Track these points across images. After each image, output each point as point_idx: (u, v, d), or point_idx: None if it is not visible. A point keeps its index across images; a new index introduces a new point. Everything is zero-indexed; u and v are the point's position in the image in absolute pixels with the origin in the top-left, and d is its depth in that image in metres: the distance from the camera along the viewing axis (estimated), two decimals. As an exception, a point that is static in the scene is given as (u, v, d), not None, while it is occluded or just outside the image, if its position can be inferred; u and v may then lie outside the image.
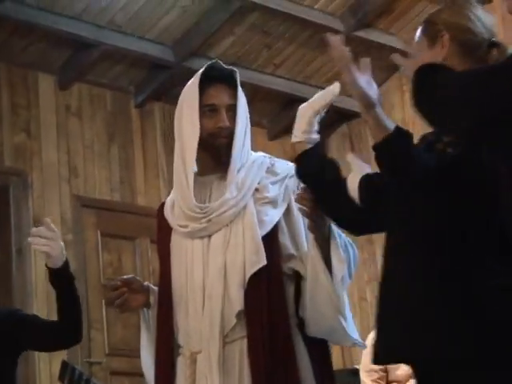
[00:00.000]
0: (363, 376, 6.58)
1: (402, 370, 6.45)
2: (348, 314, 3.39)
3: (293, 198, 3.48)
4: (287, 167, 3.60)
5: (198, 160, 3.41)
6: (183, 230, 3.47)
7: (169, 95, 8.76)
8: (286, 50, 8.81)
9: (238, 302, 3.29)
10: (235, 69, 3.55)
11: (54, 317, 7.13)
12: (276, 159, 3.67)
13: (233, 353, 3.32)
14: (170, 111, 8.41)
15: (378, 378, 6.45)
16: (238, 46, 8.48)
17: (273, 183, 3.51)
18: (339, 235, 3.34)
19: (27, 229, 7.20)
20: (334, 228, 3.30)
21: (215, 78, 3.47)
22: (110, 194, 8.37)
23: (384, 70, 9.03)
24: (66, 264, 4.11)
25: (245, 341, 3.31)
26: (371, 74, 2.77)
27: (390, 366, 6.42)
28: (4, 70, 8.04)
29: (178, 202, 3.50)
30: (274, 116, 9.51)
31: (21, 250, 7.68)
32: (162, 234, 3.63)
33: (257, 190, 3.48)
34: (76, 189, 8.05)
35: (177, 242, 3.50)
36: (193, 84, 3.50)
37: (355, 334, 3.43)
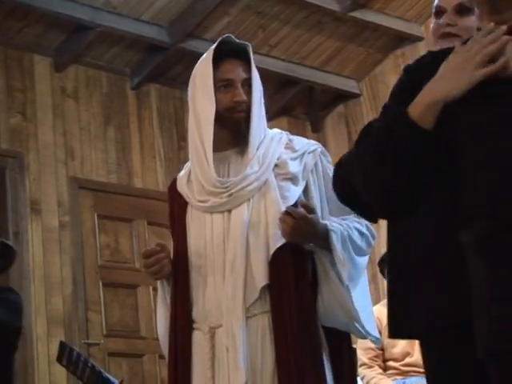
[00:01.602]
0: (360, 354, 6.49)
1: (399, 347, 6.52)
2: (364, 309, 3.44)
3: (311, 176, 3.56)
4: (305, 143, 3.68)
5: (214, 135, 3.43)
6: (203, 204, 3.48)
7: (165, 77, 8.96)
8: (281, 31, 8.81)
9: (262, 276, 3.32)
10: (248, 43, 3.56)
11: (52, 300, 7.62)
12: (293, 136, 3.72)
13: (254, 328, 3.35)
14: (166, 93, 8.88)
15: (375, 356, 6.43)
16: (232, 27, 8.36)
17: (292, 159, 3.56)
18: (336, 232, 3.38)
19: (24, 211, 7.72)
20: (330, 228, 3.34)
21: (228, 53, 3.47)
22: (106, 176, 8.33)
23: (380, 51, 9.37)
24: None
25: (266, 316, 3.33)
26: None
27: (387, 344, 6.44)
28: (-1, 52, 8.02)
29: (197, 177, 3.49)
30: (270, 96, 9.22)
31: (18, 233, 7.69)
32: (176, 208, 3.63)
33: (276, 165, 3.52)
34: (73, 171, 8.04)
35: (195, 217, 3.50)
36: (206, 59, 3.49)
37: (372, 331, 3.48)
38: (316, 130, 9.79)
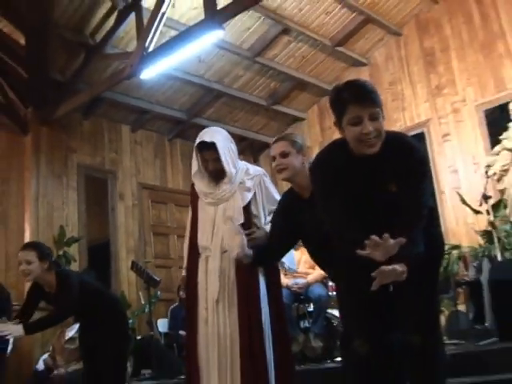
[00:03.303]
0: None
1: (302, 268, 7.40)
2: (288, 255, 4.12)
3: (257, 188, 4.27)
4: (256, 169, 4.36)
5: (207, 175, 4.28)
6: (204, 200, 4.30)
7: (184, 136, 10.78)
8: (241, 114, 10.94)
9: (231, 234, 3.82)
10: (214, 141, 4.15)
11: (128, 240, 9.57)
12: (249, 165, 4.38)
13: (226, 258, 4.07)
14: (189, 146, 9.77)
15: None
16: (216, 112, 10.61)
17: (248, 179, 4.23)
18: None
19: (116, 198, 9.75)
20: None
21: (203, 147, 4.17)
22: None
23: (287, 124, 11.49)
24: (26, 329, 4.54)
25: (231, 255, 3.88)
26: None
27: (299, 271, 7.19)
28: None
29: (200, 188, 4.32)
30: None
31: (113, 209, 9.71)
32: (195, 198, 4.38)
33: (240, 183, 4.21)
34: (142, 179, 10.06)
35: (202, 205, 4.30)
36: (194, 150, 4.25)
37: (292, 266, 4.56)
38: (255, 161, 11.40)
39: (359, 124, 2.78)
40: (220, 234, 4.12)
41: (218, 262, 4.09)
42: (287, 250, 3.78)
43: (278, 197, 4.18)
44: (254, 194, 4.22)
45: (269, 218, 4.15)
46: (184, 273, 4.36)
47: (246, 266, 3.85)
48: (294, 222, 3.52)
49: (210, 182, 4.25)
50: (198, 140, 4.16)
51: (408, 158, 2.84)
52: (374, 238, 2.56)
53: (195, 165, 4.27)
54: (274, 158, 3.64)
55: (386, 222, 2.72)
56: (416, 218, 2.76)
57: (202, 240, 4.19)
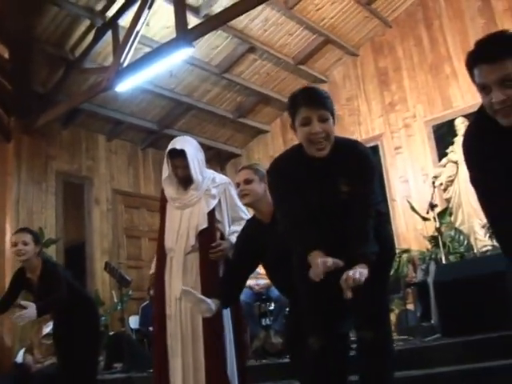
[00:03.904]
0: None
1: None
2: None
3: (222, 196, 4.26)
4: (222, 178, 4.35)
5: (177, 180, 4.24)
6: (172, 204, 4.28)
7: (156, 146, 10.62)
8: (209, 126, 10.95)
9: (193, 240, 4.08)
10: (183, 149, 4.12)
11: (103, 241, 9.47)
12: (216, 174, 4.38)
13: (190, 258, 4.07)
14: (161, 155, 8.57)
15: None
16: (186, 124, 10.60)
17: (214, 187, 4.22)
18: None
19: (93, 203, 9.70)
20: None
21: (173, 154, 4.15)
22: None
23: (252, 136, 11.43)
24: (39, 311, 4.48)
25: (196, 254, 4.08)
26: None
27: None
28: None
29: (169, 193, 4.29)
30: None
31: (90, 212, 9.62)
32: (164, 203, 4.35)
33: (207, 190, 4.20)
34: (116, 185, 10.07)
35: (170, 209, 4.28)
36: (165, 156, 4.20)
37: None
38: (222, 169, 11.35)
39: (308, 124, 2.80)
40: (184, 236, 4.10)
41: (182, 263, 4.06)
42: (250, 272, 3.77)
43: (241, 205, 4.20)
44: (219, 201, 4.21)
45: (233, 228, 4.16)
46: (151, 272, 4.36)
47: (208, 273, 3.97)
48: (255, 246, 3.55)
49: (178, 187, 4.23)
50: (169, 147, 4.14)
51: (357, 161, 2.88)
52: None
53: (166, 170, 4.23)
54: (238, 185, 3.70)
55: (338, 223, 2.78)
56: (365, 216, 2.78)
57: (168, 242, 4.17)
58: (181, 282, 3.95)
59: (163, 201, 4.35)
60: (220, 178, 4.33)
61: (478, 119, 2.25)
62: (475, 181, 2.19)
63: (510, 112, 2.08)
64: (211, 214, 4.15)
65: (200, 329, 3.92)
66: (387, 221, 3.16)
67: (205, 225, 4.08)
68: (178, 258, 4.08)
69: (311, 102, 2.81)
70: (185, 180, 4.17)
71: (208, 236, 4.10)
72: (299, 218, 2.82)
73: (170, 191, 4.25)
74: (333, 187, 2.84)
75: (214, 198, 4.20)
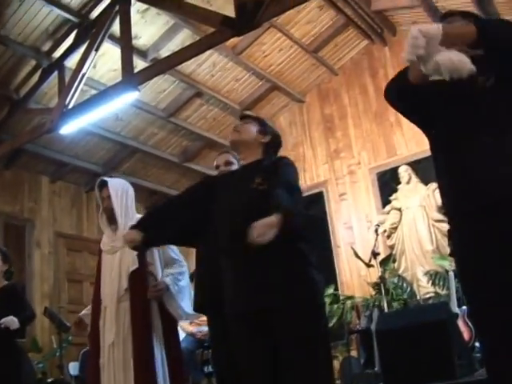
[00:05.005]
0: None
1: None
2: (186, 304, 4.17)
3: None
4: None
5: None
6: (104, 248, 4.34)
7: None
8: (154, 170, 10.79)
9: (125, 283, 4.08)
10: (107, 179, 4.32)
11: (43, 284, 9.03)
12: None
13: (122, 306, 4.05)
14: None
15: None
16: (131, 167, 10.49)
17: None
18: (170, 284, 4.16)
19: (33, 247, 9.38)
20: (168, 283, 4.13)
21: (101, 185, 4.29)
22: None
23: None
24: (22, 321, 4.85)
25: (127, 302, 4.04)
26: None
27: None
28: None
29: (103, 239, 4.39)
30: (146, 198, 10.82)
31: (30, 256, 9.32)
32: (100, 251, 4.42)
33: None
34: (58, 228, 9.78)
35: (103, 255, 4.33)
36: (95, 194, 4.38)
37: (190, 313, 4.28)
38: None
39: None
40: (117, 279, 4.09)
41: (115, 311, 4.04)
42: (186, 218, 3.20)
43: (173, 247, 4.26)
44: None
45: (167, 270, 4.20)
46: (77, 319, 4.39)
47: (141, 316, 3.92)
48: (212, 193, 3.21)
49: (109, 229, 4.28)
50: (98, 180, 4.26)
51: (277, 160, 3.05)
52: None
53: (100, 207, 4.33)
54: (217, 167, 3.83)
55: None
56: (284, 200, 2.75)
57: (102, 289, 4.16)
58: (114, 330, 3.94)
59: (100, 250, 4.37)
60: None
61: None
62: None
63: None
64: (142, 256, 4.11)
65: (132, 379, 3.85)
66: (311, 263, 2.88)
67: (135, 265, 4.05)
68: (111, 306, 4.04)
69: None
70: (111, 213, 4.20)
71: (139, 278, 4.09)
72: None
73: (104, 237, 4.29)
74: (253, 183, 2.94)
75: None
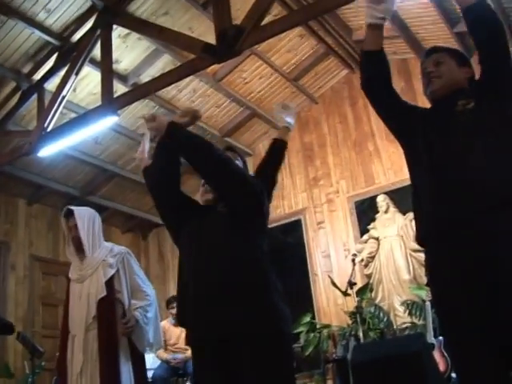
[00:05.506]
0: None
1: (173, 340, 7.48)
2: (155, 335, 4.27)
3: (120, 265, 4.34)
4: (120, 249, 4.46)
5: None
6: (72, 277, 4.38)
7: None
8: (131, 195, 10.67)
9: (93, 310, 4.09)
10: (73, 209, 4.35)
11: (17, 309, 8.98)
12: (116, 245, 4.49)
13: (90, 336, 4.07)
14: None
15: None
16: (109, 191, 10.43)
17: (111, 256, 4.33)
18: (140, 318, 4.22)
19: (8, 270, 9.26)
20: (138, 318, 4.18)
21: (69, 214, 4.31)
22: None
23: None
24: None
25: (95, 331, 4.07)
26: None
27: (167, 340, 7.34)
28: None
29: (71, 269, 4.42)
30: (123, 223, 11.11)
31: (5, 279, 9.13)
32: (69, 280, 4.43)
33: (104, 260, 4.29)
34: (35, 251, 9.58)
35: (72, 284, 4.35)
36: (61, 223, 4.39)
37: (157, 343, 4.45)
38: (144, 239, 11.59)
39: None
40: (85, 307, 4.09)
41: (82, 340, 4.03)
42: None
43: (141, 275, 4.31)
44: (118, 270, 4.25)
45: (136, 302, 4.22)
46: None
47: (108, 344, 3.90)
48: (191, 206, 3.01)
49: (76, 258, 4.29)
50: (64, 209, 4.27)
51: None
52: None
53: (68, 237, 4.34)
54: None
55: None
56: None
57: (70, 318, 4.17)
58: (82, 359, 3.94)
59: (68, 278, 4.40)
60: (118, 248, 4.39)
61: None
62: None
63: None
64: (110, 284, 4.16)
65: None
66: (277, 290, 2.63)
67: (103, 293, 4.09)
68: (80, 334, 4.04)
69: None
70: (79, 243, 4.23)
71: (108, 306, 4.11)
72: None
73: (72, 266, 4.30)
74: None
75: (112, 267, 4.23)
